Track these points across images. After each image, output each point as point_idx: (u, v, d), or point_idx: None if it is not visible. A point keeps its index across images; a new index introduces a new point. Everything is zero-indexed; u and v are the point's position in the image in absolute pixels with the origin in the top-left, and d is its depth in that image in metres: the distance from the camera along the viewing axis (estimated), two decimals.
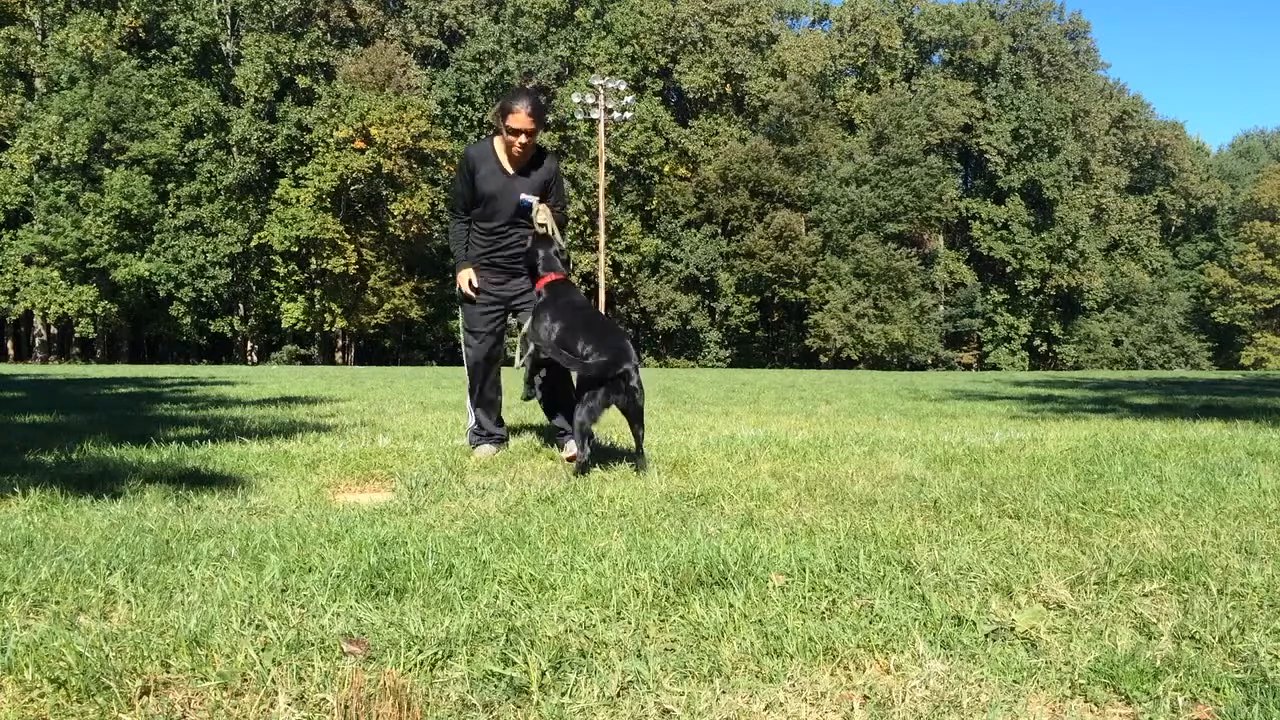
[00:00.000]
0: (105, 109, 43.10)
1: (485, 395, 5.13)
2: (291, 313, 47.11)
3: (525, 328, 5.01)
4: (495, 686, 1.79)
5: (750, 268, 50.87)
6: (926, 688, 1.80)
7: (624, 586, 2.33)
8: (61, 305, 43.59)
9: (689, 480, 4.10)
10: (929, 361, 53.02)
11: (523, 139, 4.87)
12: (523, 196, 4.98)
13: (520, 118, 4.82)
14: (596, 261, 47.44)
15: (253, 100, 46.38)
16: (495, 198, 4.96)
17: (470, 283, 5.03)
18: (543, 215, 5.07)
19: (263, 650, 1.92)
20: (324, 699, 1.73)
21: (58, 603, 2.24)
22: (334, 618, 2.13)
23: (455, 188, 5.11)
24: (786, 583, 2.36)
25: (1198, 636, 2.02)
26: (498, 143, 5.00)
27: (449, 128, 49.36)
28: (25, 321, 48.28)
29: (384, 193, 47.32)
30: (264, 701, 1.74)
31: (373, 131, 45.05)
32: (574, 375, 4.63)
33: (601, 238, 46.75)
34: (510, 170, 4.97)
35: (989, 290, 56.94)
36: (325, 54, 49.17)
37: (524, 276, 5.07)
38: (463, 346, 5.21)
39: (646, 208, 53.43)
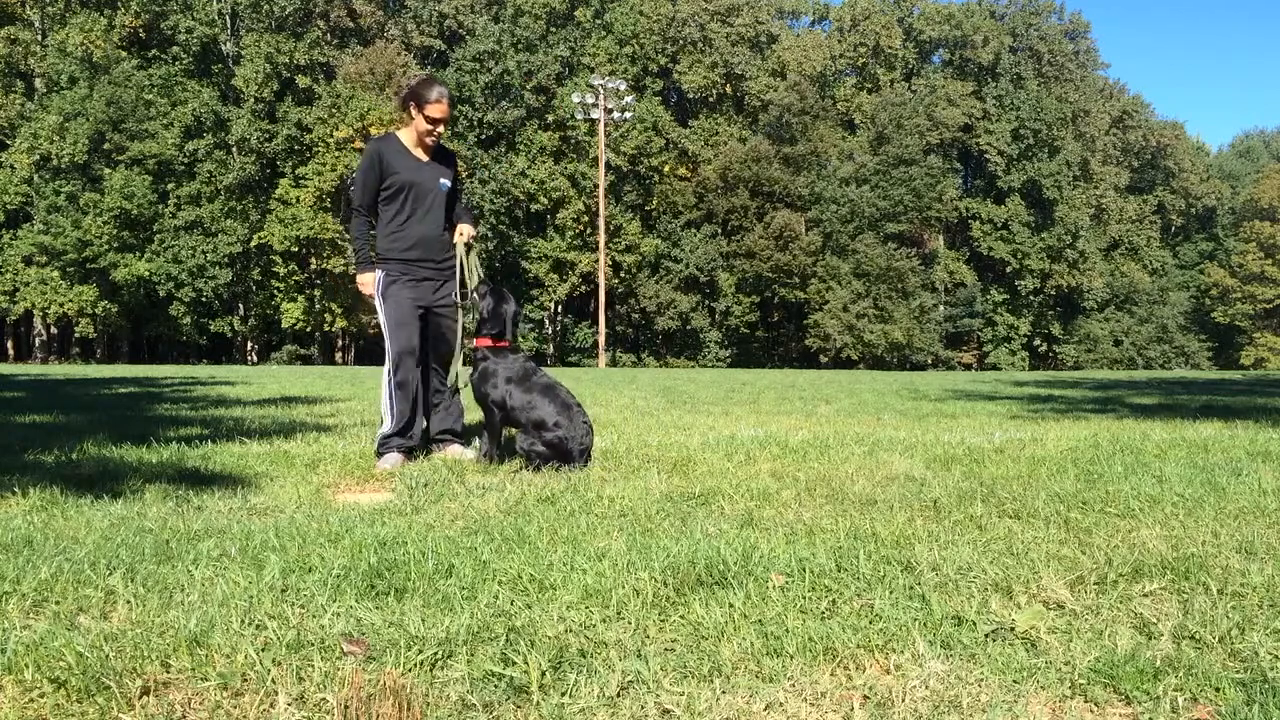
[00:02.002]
0: (105, 109, 43.07)
1: (408, 394, 4.88)
2: (291, 313, 47.10)
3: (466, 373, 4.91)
4: (495, 686, 1.79)
5: (750, 268, 50.85)
6: (926, 688, 1.80)
7: (624, 586, 2.33)
8: (61, 305, 43.56)
9: (689, 480, 4.10)
10: (929, 361, 53.00)
11: (440, 128, 4.90)
12: (442, 180, 4.97)
13: (443, 107, 4.84)
14: (596, 261, 47.45)
15: (253, 100, 46.35)
16: (415, 185, 4.87)
17: (374, 287, 4.88)
18: (459, 240, 4.97)
19: (263, 650, 1.92)
20: (324, 699, 1.73)
21: (58, 603, 2.24)
22: (334, 618, 2.13)
23: (360, 182, 4.90)
24: (786, 583, 2.36)
25: (1198, 636, 2.02)
26: (404, 135, 4.97)
27: (449, 128, 49.31)
28: (25, 321, 48.26)
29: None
30: (264, 701, 1.74)
31: (373, 131, 44.97)
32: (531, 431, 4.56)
33: (601, 238, 46.75)
34: (424, 158, 4.96)
35: (989, 290, 56.93)
36: (325, 54, 49.15)
37: (447, 272, 4.95)
38: (389, 346, 4.89)
39: (646, 208, 53.41)
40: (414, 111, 4.88)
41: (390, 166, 4.86)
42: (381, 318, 4.94)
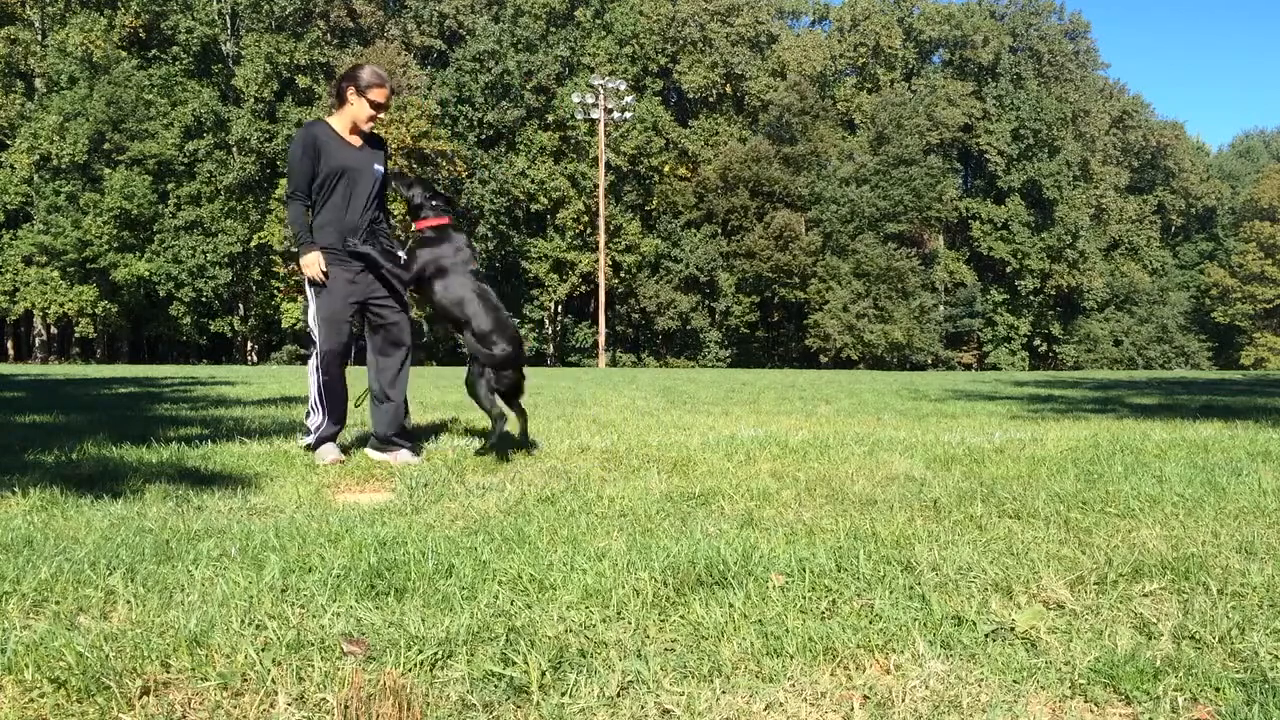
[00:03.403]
0: (105, 109, 43.09)
1: (337, 390, 4.91)
2: (291, 313, 47.06)
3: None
4: (495, 686, 1.79)
5: (750, 268, 50.86)
6: (926, 688, 1.80)
7: (624, 586, 2.33)
8: (61, 305, 43.57)
9: (689, 480, 4.10)
10: (929, 361, 53.00)
11: (381, 114, 4.87)
12: (376, 166, 4.92)
13: (386, 92, 4.83)
14: (596, 261, 47.46)
15: (253, 100, 46.37)
16: (349, 170, 4.79)
17: (320, 266, 4.75)
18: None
19: (263, 650, 1.92)
20: (324, 699, 1.73)
21: (58, 603, 2.24)
22: (334, 618, 2.13)
23: (296, 168, 4.79)
24: (786, 583, 2.36)
25: (1198, 636, 2.02)
26: (335, 121, 4.88)
27: (449, 128, 49.35)
28: (25, 321, 48.26)
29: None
30: (264, 701, 1.74)
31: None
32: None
33: (601, 238, 46.75)
34: (356, 144, 4.89)
35: (989, 290, 56.93)
36: (325, 54, 49.14)
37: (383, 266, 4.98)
38: (318, 336, 4.86)
39: (646, 208, 53.42)
40: (353, 96, 4.80)
41: (325, 152, 4.77)
42: (312, 308, 4.87)
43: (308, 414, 4.98)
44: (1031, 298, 56.91)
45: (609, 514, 3.33)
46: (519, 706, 1.74)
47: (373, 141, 5.00)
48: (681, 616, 2.15)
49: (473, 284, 4.82)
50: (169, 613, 2.15)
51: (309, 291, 4.87)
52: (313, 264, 4.76)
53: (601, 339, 46.68)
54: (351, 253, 4.80)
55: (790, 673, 1.86)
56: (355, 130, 4.89)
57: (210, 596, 2.28)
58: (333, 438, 4.92)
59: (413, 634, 2.01)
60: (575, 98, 46.29)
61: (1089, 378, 24.69)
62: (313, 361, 4.94)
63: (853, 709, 1.74)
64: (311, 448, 4.86)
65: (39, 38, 45.88)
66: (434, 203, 4.92)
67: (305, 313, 4.97)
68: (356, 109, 4.82)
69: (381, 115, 4.90)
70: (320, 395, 4.89)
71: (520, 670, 1.83)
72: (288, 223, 4.91)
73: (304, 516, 3.32)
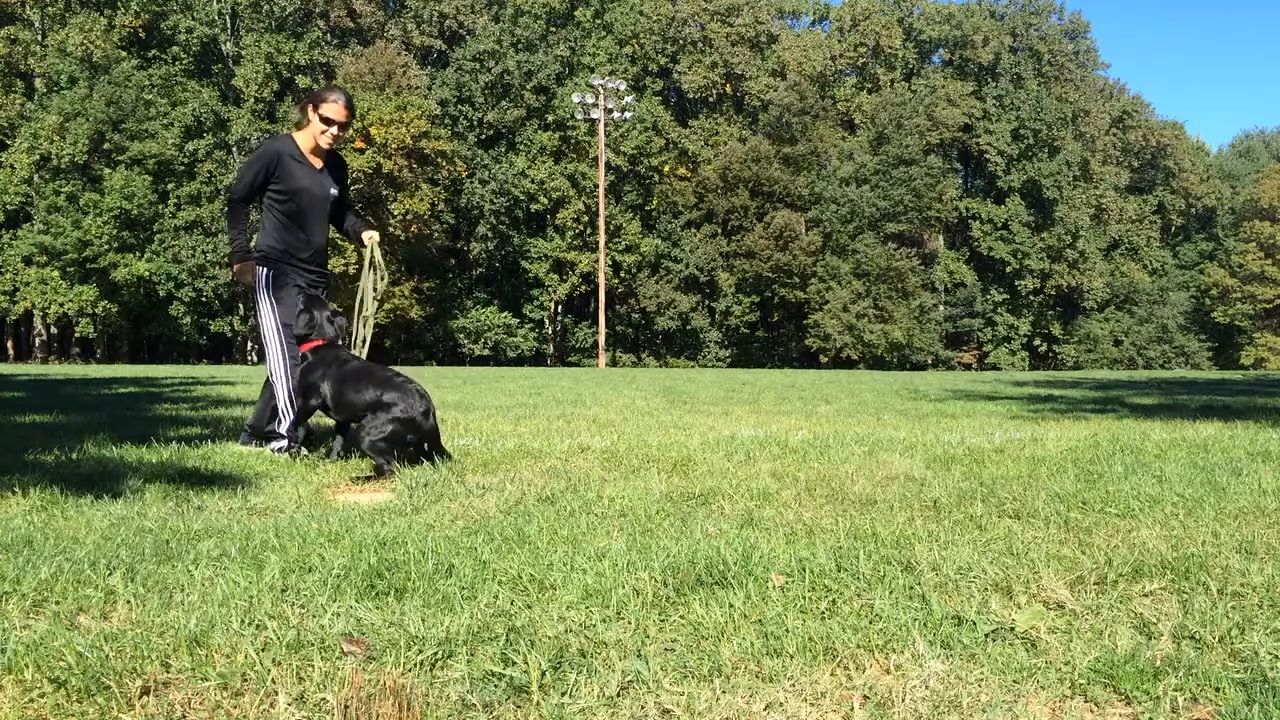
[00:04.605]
0: (105, 109, 43.12)
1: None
2: None
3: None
4: (495, 686, 1.79)
5: (750, 268, 50.85)
6: (926, 688, 1.80)
7: (624, 586, 2.33)
8: (61, 305, 43.58)
9: (689, 480, 4.10)
10: (929, 361, 53.00)
11: (335, 130, 4.96)
12: (331, 190, 5.06)
13: (337, 108, 4.94)
14: (596, 261, 47.45)
15: (253, 100, 46.39)
16: (305, 191, 4.93)
17: (252, 277, 4.94)
18: (371, 242, 5.16)
19: (263, 650, 1.92)
20: (324, 699, 1.73)
21: (58, 603, 2.24)
22: (334, 618, 2.13)
23: (248, 176, 4.96)
24: (786, 583, 2.36)
25: (1198, 636, 2.02)
26: (299, 138, 5.01)
27: (449, 128, 49.35)
28: (25, 321, 48.26)
29: (384, 193, 47.34)
30: (264, 701, 1.74)
31: (373, 131, 45.03)
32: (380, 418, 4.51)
33: (601, 238, 46.75)
34: (317, 165, 5.02)
35: (989, 290, 56.93)
36: (325, 54, 49.17)
37: (323, 276, 5.14)
38: (276, 343, 4.97)
39: (646, 208, 53.42)
40: (311, 113, 4.97)
41: (284, 170, 4.91)
42: (268, 318, 4.99)
43: (278, 421, 5.00)
44: (1031, 298, 56.91)
45: (609, 514, 3.33)
46: (519, 706, 1.74)
47: (334, 164, 5.13)
48: (681, 616, 2.15)
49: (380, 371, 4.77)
50: (169, 613, 2.15)
51: (263, 301, 4.99)
52: (246, 274, 4.98)
53: (601, 339, 46.69)
54: (310, 284, 4.94)
55: (790, 673, 1.86)
56: (316, 150, 5.02)
57: (210, 596, 2.28)
58: (300, 440, 5.02)
59: (413, 634, 2.01)
60: (575, 98, 46.30)
61: (1089, 378, 24.69)
62: (281, 369, 4.98)
63: (853, 709, 1.74)
64: (284, 450, 4.90)
65: (39, 38, 45.88)
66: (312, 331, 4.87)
67: (259, 321, 5.08)
68: (313, 127, 4.97)
69: (337, 133, 4.98)
70: (291, 398, 4.94)
71: (520, 670, 1.83)
72: (227, 228, 5.08)
73: (304, 516, 3.32)
